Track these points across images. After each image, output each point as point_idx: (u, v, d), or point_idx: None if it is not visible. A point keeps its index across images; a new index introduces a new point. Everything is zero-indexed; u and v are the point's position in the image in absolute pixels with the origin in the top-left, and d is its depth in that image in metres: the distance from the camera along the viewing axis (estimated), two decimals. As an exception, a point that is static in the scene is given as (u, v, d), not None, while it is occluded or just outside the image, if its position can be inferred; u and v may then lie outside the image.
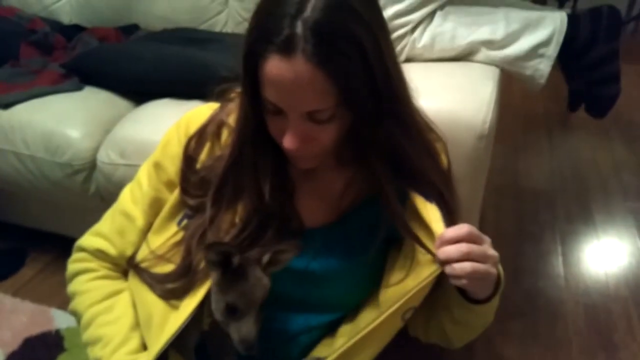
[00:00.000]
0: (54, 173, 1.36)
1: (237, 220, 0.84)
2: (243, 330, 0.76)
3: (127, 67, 1.46)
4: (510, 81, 2.86)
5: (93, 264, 0.93)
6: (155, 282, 0.85)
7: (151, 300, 0.84)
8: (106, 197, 1.38)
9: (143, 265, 0.87)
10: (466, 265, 0.69)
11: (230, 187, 0.84)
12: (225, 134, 0.87)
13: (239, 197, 0.84)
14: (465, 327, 0.87)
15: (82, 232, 1.63)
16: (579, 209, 1.92)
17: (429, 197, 0.81)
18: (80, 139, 1.35)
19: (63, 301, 1.51)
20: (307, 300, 0.92)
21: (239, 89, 0.80)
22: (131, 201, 0.91)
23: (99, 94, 1.49)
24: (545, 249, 1.72)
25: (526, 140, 2.37)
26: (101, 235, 0.93)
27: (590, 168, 2.16)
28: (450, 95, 1.12)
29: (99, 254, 0.92)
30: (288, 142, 0.74)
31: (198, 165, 0.87)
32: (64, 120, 1.38)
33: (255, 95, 0.73)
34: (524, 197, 1.98)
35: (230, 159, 0.82)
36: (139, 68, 1.44)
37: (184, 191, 0.87)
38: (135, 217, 0.90)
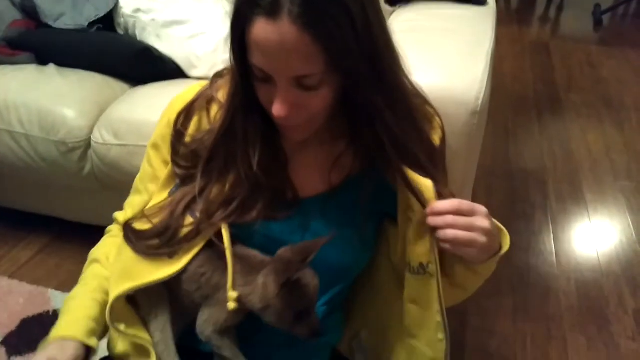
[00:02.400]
0: (49, 152, 1.36)
1: (227, 191, 0.85)
2: (313, 323, 0.79)
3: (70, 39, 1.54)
4: (501, 62, 2.88)
5: (112, 227, 0.99)
6: (135, 238, 0.86)
7: (129, 257, 0.86)
8: (100, 177, 1.38)
9: (129, 222, 0.90)
10: (448, 233, 0.77)
11: (221, 159, 0.85)
12: (214, 109, 0.87)
13: (229, 169, 0.85)
14: (463, 290, 0.93)
15: (77, 214, 1.64)
16: (569, 188, 1.95)
17: (417, 171, 0.84)
18: (75, 118, 1.35)
19: (60, 282, 1.52)
20: None
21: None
22: (139, 178, 0.96)
23: (94, 76, 1.48)
24: (537, 228, 1.75)
25: (517, 122, 2.38)
26: (122, 207, 0.99)
27: (581, 149, 2.18)
28: (442, 71, 1.12)
29: (115, 220, 0.99)
30: (277, 109, 0.74)
31: (187, 139, 0.88)
32: (59, 100, 1.37)
33: (245, 62, 0.73)
34: (515, 177, 2.01)
35: (221, 129, 0.83)
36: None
37: (174, 162, 0.89)
38: (141, 191, 0.95)
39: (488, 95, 1.11)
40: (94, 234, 1.02)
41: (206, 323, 0.85)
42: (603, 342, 1.35)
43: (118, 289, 0.82)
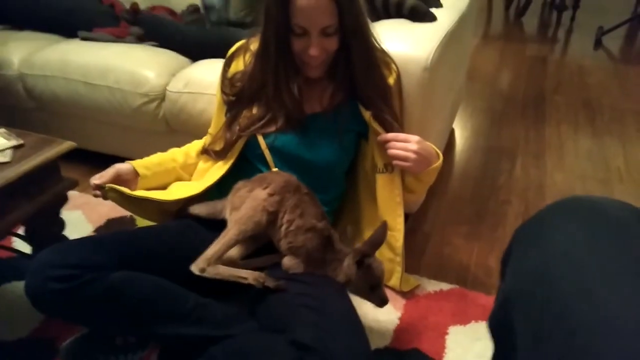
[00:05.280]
0: (135, 101, 1.93)
1: (254, 111, 1.39)
2: (382, 294, 1.19)
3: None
4: (500, 73, 3.30)
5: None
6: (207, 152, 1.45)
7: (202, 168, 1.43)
8: (170, 119, 1.94)
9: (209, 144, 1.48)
10: (390, 151, 1.31)
11: (253, 89, 1.38)
12: (247, 55, 1.41)
13: (260, 96, 1.38)
14: (413, 193, 1.46)
15: (149, 154, 2.19)
16: (534, 160, 2.37)
17: (367, 107, 1.37)
18: (154, 77, 1.93)
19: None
20: (302, 168, 1.43)
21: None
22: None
23: (166, 51, 2.08)
24: (501, 183, 2.18)
25: (503, 115, 2.82)
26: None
27: (553, 135, 2.60)
28: (401, 40, 1.56)
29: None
30: (313, 51, 1.24)
31: (229, 75, 1.44)
32: (144, 65, 1.96)
33: (286, 24, 1.22)
34: (491, 151, 2.45)
35: (256, 66, 1.36)
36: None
37: (222, 90, 1.46)
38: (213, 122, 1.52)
39: (437, 57, 1.56)
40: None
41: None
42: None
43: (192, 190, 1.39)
